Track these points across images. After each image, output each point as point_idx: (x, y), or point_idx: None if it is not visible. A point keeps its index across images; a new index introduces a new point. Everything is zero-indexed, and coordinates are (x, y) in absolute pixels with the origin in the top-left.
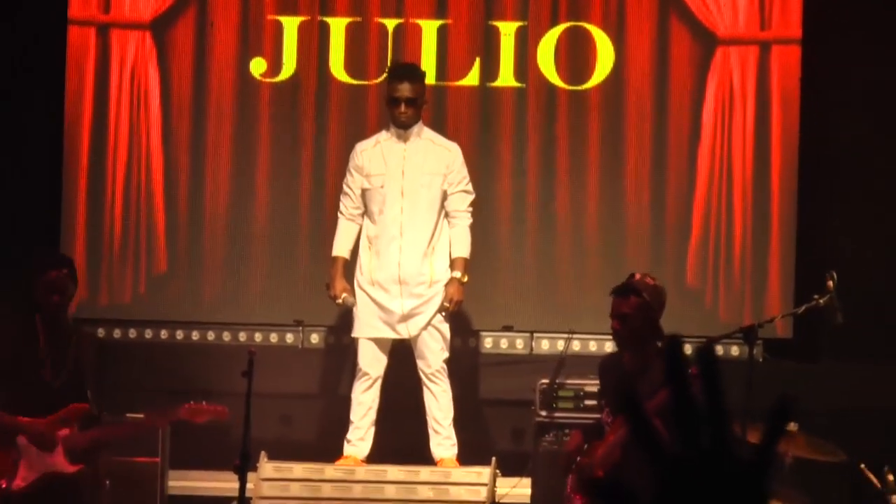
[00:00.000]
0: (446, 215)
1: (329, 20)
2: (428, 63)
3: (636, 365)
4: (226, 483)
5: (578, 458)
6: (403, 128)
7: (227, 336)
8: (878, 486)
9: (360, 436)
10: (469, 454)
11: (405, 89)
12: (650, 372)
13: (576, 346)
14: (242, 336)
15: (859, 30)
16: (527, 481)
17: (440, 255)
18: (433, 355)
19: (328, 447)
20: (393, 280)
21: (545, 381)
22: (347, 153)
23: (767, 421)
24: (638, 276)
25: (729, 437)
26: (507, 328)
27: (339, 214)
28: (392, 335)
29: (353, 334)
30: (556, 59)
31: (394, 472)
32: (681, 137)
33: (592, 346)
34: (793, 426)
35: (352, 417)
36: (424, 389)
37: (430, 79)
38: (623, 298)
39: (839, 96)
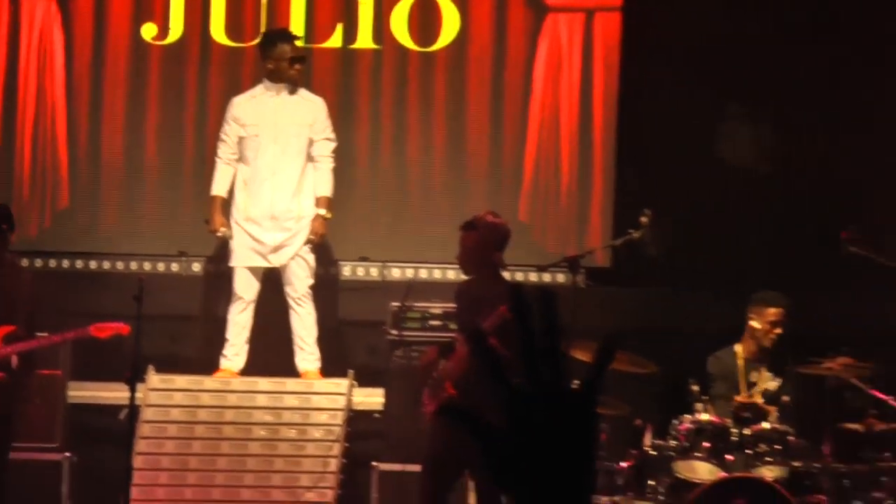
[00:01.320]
0: (312, 159)
1: None
2: (296, 28)
3: (481, 291)
4: (119, 393)
5: (433, 373)
6: (295, 84)
7: (120, 265)
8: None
9: (235, 352)
10: (330, 368)
11: (297, 50)
12: (492, 297)
13: (423, 273)
14: (133, 265)
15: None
16: (379, 391)
17: (306, 194)
18: (299, 282)
19: (208, 362)
20: (265, 216)
21: (396, 304)
22: (225, 106)
23: (596, 355)
24: (482, 214)
25: (564, 371)
26: (364, 258)
27: (217, 159)
28: (264, 264)
29: (230, 263)
30: (409, 25)
31: (264, 383)
32: (515, 93)
33: (437, 274)
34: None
35: (228, 336)
36: (291, 312)
37: (301, 42)
38: (465, 233)
39: (653, 56)
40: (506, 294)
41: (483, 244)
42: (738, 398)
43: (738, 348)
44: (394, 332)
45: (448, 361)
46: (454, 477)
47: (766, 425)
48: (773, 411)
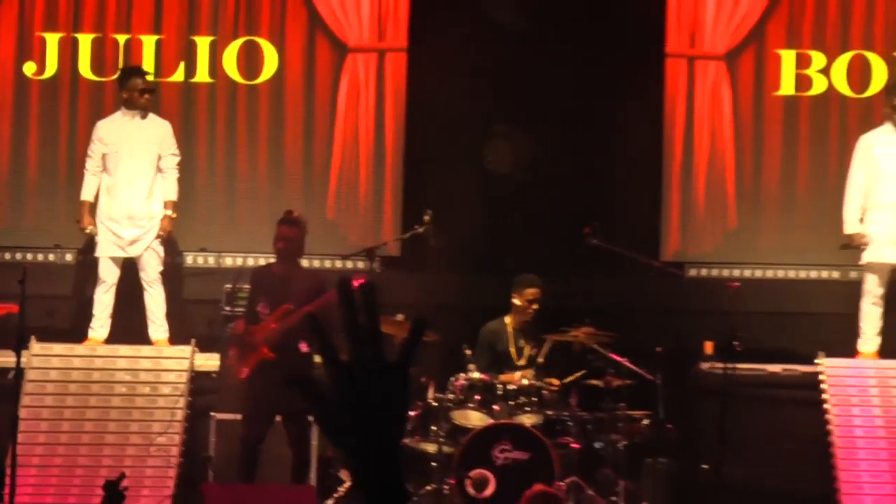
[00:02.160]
0: (160, 171)
1: (79, 36)
2: (147, 65)
3: (285, 273)
4: (7, 358)
5: (243, 337)
6: (146, 110)
7: (7, 256)
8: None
9: (100, 324)
10: (176, 337)
11: (147, 83)
12: (296, 279)
13: (250, 261)
14: (19, 256)
15: (448, 43)
16: (216, 356)
17: (156, 198)
18: (151, 268)
19: (79, 333)
20: (123, 216)
21: (229, 286)
22: (92, 129)
23: (408, 334)
24: (294, 212)
25: (381, 348)
26: (203, 249)
27: (85, 171)
28: (123, 254)
29: (96, 254)
30: (238, 62)
31: (124, 349)
32: (323, 117)
33: (262, 262)
34: (400, 317)
35: (94, 312)
36: (145, 293)
37: (150, 76)
38: (288, 227)
39: (434, 85)
40: (308, 277)
41: (301, 237)
42: (503, 377)
43: (508, 319)
44: (227, 308)
45: (255, 328)
46: (267, 424)
47: (524, 381)
48: (530, 372)
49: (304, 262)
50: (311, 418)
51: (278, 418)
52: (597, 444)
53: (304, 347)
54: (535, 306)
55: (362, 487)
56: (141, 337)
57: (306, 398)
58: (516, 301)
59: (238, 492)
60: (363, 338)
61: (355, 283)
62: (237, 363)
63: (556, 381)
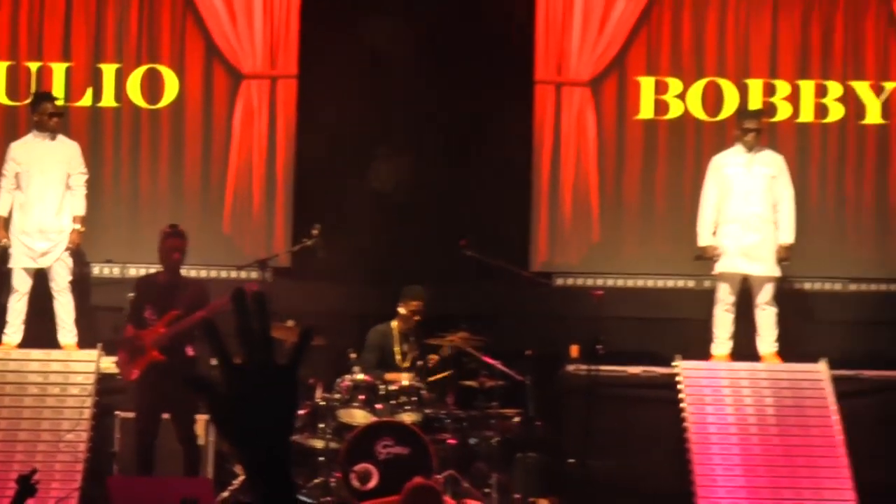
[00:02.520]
0: (69, 188)
1: None
2: (57, 91)
3: (170, 282)
4: None
5: (132, 341)
6: (56, 132)
7: None
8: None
9: (14, 330)
10: (84, 341)
11: (57, 107)
12: (181, 287)
13: (152, 271)
14: None
15: (335, 69)
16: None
17: (66, 213)
18: (61, 278)
19: None
20: (35, 230)
21: (132, 293)
22: (6, 149)
23: (297, 340)
24: (178, 226)
25: (272, 351)
26: (109, 261)
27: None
28: (35, 265)
29: (9, 265)
30: (141, 88)
31: (35, 353)
32: (220, 138)
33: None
34: (290, 322)
35: (8, 319)
36: (55, 301)
37: (60, 101)
38: (181, 239)
39: (323, 110)
40: (192, 285)
41: (187, 249)
42: (388, 376)
43: (394, 324)
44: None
45: (144, 333)
46: (157, 422)
47: (405, 382)
48: (412, 376)
49: (203, 272)
50: (198, 416)
51: (168, 416)
52: (471, 440)
53: (190, 351)
54: (417, 317)
55: (254, 482)
56: (51, 342)
57: (201, 398)
58: (402, 310)
59: (140, 484)
60: (255, 342)
61: (248, 292)
62: (127, 365)
63: (435, 357)
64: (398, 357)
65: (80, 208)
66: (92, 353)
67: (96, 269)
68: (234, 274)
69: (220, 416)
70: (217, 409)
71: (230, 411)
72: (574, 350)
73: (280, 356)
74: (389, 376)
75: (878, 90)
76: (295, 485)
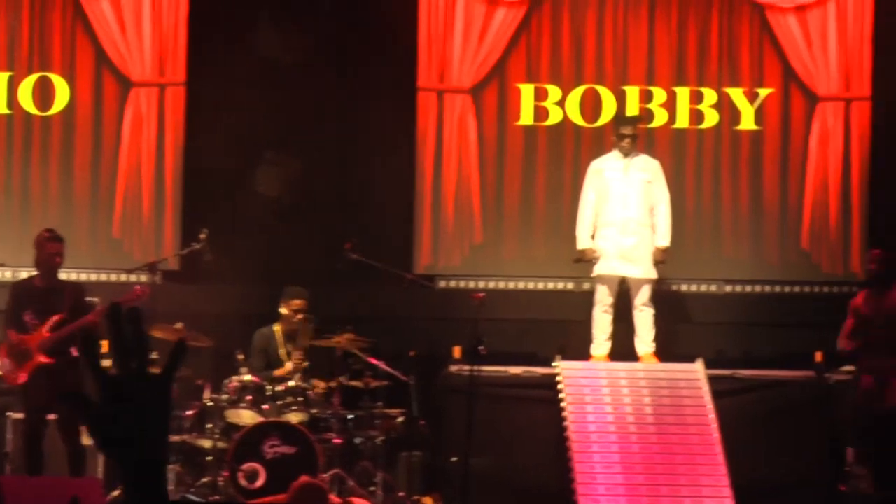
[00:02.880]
0: None
1: None
2: None
3: (49, 286)
4: None
5: (17, 346)
6: None
7: None
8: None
9: None
10: None
11: None
12: (60, 290)
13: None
14: None
15: (224, 76)
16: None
17: None
18: None
19: None
20: None
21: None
22: None
23: (171, 352)
24: (56, 231)
25: (146, 363)
26: (1, 264)
27: None
28: None
29: None
30: (33, 96)
31: None
32: (109, 145)
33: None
34: (179, 325)
35: None
36: None
37: None
38: (60, 244)
39: (214, 117)
40: (70, 288)
41: (64, 252)
42: (277, 372)
43: (277, 327)
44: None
45: (28, 337)
46: (45, 421)
47: (291, 383)
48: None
49: (93, 276)
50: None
51: (53, 417)
52: (357, 440)
53: (74, 352)
54: (299, 316)
55: (128, 490)
56: None
57: (76, 410)
58: (283, 310)
59: (32, 484)
60: (130, 354)
61: (124, 306)
62: (14, 371)
63: (321, 384)
64: (283, 358)
65: None
66: None
67: None
68: (123, 277)
69: (94, 426)
70: (91, 420)
71: (104, 421)
72: (456, 351)
73: (154, 366)
74: (278, 372)
75: (752, 96)
76: (167, 493)
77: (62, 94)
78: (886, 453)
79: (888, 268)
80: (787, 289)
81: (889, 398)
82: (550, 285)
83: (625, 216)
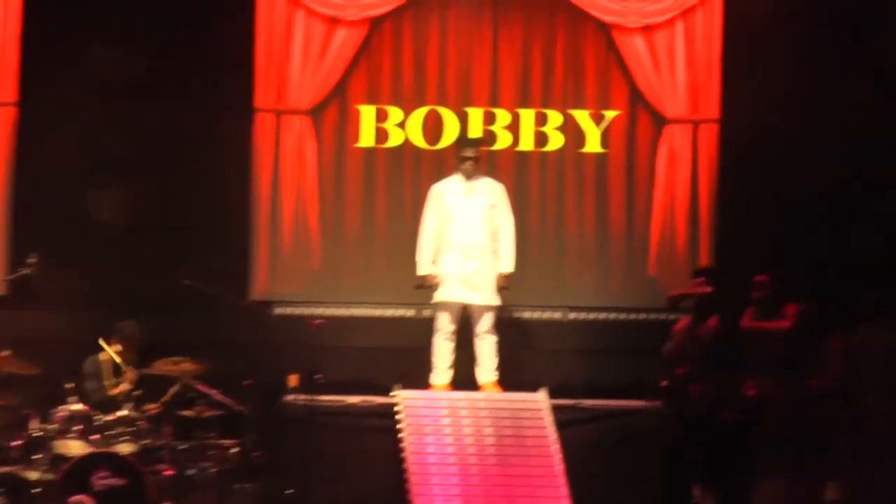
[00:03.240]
0: None
1: None
2: None
3: None
4: None
5: None
6: None
7: None
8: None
9: None
10: None
11: None
12: None
13: None
14: None
15: (57, 97)
16: None
17: None
18: None
19: None
20: None
21: None
22: None
23: None
24: None
25: None
26: None
27: None
28: None
29: None
30: None
31: None
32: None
33: None
34: (5, 353)
35: None
36: None
37: None
38: None
39: (45, 137)
40: None
41: None
42: (111, 392)
43: (105, 356)
44: None
45: None
46: None
47: (122, 413)
48: (130, 407)
49: None
50: None
51: None
52: (189, 471)
53: None
54: (129, 351)
55: None
56: None
57: None
58: (114, 343)
59: None
60: None
61: None
62: None
63: (153, 406)
64: (111, 388)
65: None
66: None
67: None
68: None
69: None
70: None
71: None
72: (293, 379)
73: None
74: (114, 391)
75: (598, 118)
76: None
77: None
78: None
79: (777, 292)
80: (632, 316)
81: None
82: (390, 312)
83: (467, 241)
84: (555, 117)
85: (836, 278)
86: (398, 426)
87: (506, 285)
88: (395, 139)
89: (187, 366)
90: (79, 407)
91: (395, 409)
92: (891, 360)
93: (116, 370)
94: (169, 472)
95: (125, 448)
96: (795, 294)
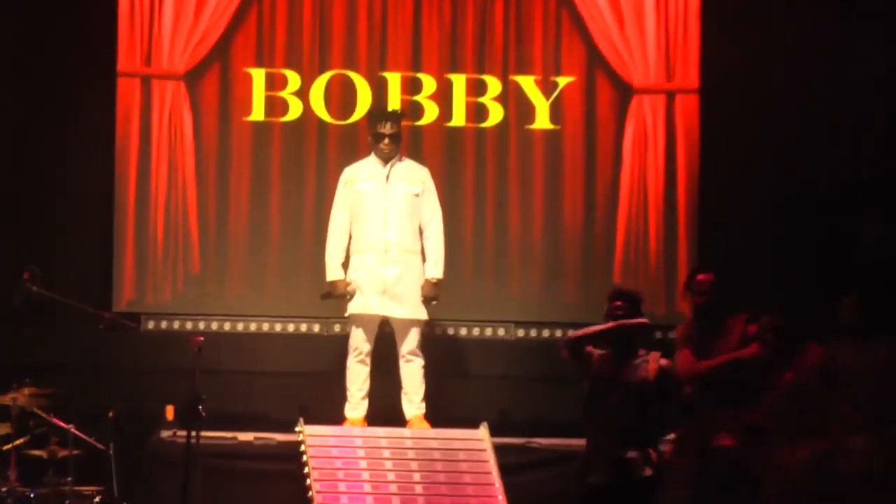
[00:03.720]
0: None
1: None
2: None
3: None
4: None
5: None
6: None
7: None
8: None
9: None
10: None
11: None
12: None
13: None
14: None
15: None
16: None
17: None
18: None
19: None
20: None
21: None
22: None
23: None
24: None
25: None
26: None
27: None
28: None
29: None
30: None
31: None
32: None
33: None
34: None
35: None
36: None
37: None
38: None
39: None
40: None
41: None
42: None
43: None
44: None
45: None
46: None
47: None
48: None
49: None
50: None
51: None
52: None
53: None
54: None
55: None
56: None
57: None
58: None
59: None
60: None
61: None
62: None
63: None
64: None
65: None
66: None
67: None
68: None
69: None
70: None
71: None
72: (169, 411)
73: None
74: None
75: (547, 87)
76: None
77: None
78: None
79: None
80: None
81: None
82: (291, 327)
83: (385, 240)
84: (493, 85)
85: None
86: (303, 471)
87: (434, 295)
88: (293, 111)
89: (35, 391)
90: None
91: (300, 449)
92: (872, 386)
93: None
94: None
95: None
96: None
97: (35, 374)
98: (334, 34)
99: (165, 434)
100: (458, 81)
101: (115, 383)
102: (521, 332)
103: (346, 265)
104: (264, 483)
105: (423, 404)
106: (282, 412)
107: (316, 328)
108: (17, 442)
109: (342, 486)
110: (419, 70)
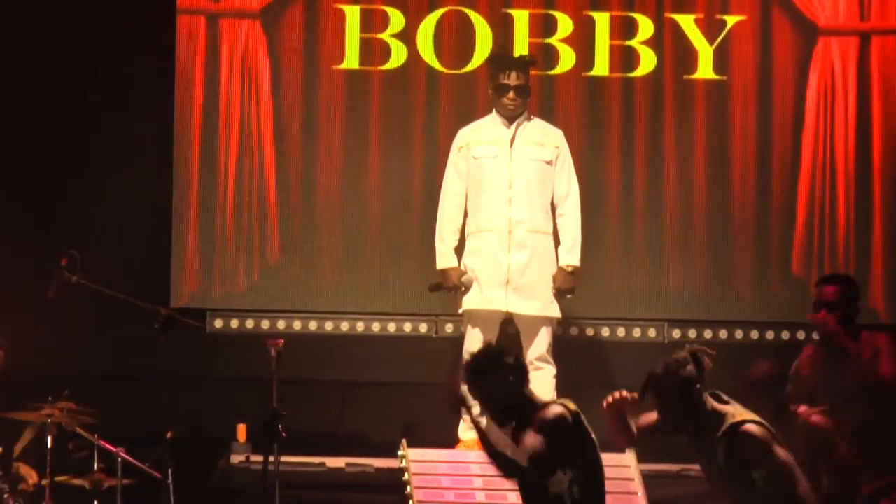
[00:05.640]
0: None
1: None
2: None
3: None
4: None
5: None
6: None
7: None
8: None
9: None
10: None
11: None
12: None
13: None
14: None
15: None
16: None
17: None
18: None
19: None
20: None
21: None
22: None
23: None
24: None
25: None
26: None
27: None
28: None
29: None
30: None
31: None
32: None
33: None
34: None
35: None
36: None
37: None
38: None
39: None
40: None
41: None
42: None
43: None
44: None
45: None
46: None
47: None
48: None
49: None
50: None
51: None
52: None
53: None
54: None
55: None
56: None
57: None
58: None
59: None
60: None
61: None
62: None
63: (34, 475)
64: None
65: None
66: None
67: None
68: None
69: None
70: None
71: None
72: (240, 431)
73: None
74: None
75: (712, 28)
76: None
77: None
78: None
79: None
80: (768, 335)
81: None
82: (392, 327)
83: (509, 218)
84: (645, 25)
85: None
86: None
87: (570, 287)
88: (395, 58)
89: (76, 408)
90: None
91: (402, 477)
92: None
93: None
94: None
95: None
96: None
97: (74, 384)
98: None
99: (236, 459)
100: (601, 20)
101: (175, 397)
102: (676, 333)
103: (460, 250)
104: None
105: None
106: (380, 432)
107: (423, 328)
108: (54, 474)
109: None
110: (552, 6)
